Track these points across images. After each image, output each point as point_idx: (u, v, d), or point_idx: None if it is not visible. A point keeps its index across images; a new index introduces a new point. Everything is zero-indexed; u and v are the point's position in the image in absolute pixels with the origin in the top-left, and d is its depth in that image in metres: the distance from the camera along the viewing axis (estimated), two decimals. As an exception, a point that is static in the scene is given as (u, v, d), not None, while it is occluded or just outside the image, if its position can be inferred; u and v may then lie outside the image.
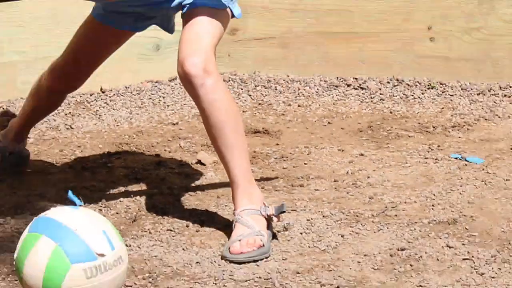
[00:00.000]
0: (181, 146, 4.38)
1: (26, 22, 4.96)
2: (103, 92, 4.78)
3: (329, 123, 4.55)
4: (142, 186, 4.11)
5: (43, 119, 4.29)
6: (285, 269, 3.57)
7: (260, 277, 3.53)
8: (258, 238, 3.65)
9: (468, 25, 5.19)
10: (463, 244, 3.68)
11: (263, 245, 3.63)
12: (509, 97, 4.70)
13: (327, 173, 4.16)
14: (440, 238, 3.72)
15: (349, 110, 4.67)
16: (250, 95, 4.78)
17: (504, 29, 5.21)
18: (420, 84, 4.81)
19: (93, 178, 4.17)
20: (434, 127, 4.47)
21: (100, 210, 3.87)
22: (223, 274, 3.54)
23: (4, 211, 3.93)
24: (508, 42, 5.21)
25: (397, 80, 4.82)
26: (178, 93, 4.75)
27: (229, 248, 3.63)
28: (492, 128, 4.42)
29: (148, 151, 4.36)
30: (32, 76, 4.28)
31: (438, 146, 4.31)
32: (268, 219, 3.70)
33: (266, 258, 3.63)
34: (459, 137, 4.39)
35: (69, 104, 4.56)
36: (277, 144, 4.39)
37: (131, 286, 3.49)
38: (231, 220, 3.76)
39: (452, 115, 4.56)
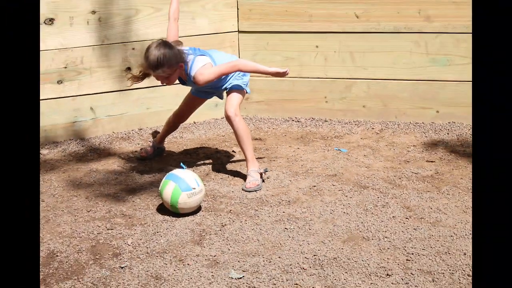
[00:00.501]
0: (226, 144, 4.27)
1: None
2: (194, 123, 4.63)
3: (285, 135, 4.43)
4: (210, 160, 4.01)
5: (170, 134, 4.16)
6: (267, 194, 3.54)
7: (257, 197, 3.50)
8: (257, 181, 3.60)
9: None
10: (339, 184, 3.63)
11: (259, 185, 3.59)
12: (357, 125, 4.51)
13: (284, 155, 4.08)
14: (329, 181, 3.67)
15: (293, 130, 4.52)
16: (253, 124, 4.64)
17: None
18: (321, 120, 4.61)
19: (190, 157, 4.06)
20: (327, 137, 4.35)
21: (192, 170, 3.79)
22: (243, 196, 3.52)
23: (155, 171, 3.86)
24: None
25: (313, 118, 4.64)
26: (224, 123, 4.59)
27: (245, 186, 3.59)
28: (351, 138, 4.32)
29: (212, 147, 4.24)
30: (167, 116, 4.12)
31: (329, 145, 4.22)
32: (260, 174, 3.64)
33: (260, 190, 3.58)
34: (337, 141, 4.29)
35: (180, 128, 4.40)
36: (264, 144, 4.28)
37: (206, 201, 3.45)
38: (245, 174, 3.69)
39: (334, 132, 4.41)
